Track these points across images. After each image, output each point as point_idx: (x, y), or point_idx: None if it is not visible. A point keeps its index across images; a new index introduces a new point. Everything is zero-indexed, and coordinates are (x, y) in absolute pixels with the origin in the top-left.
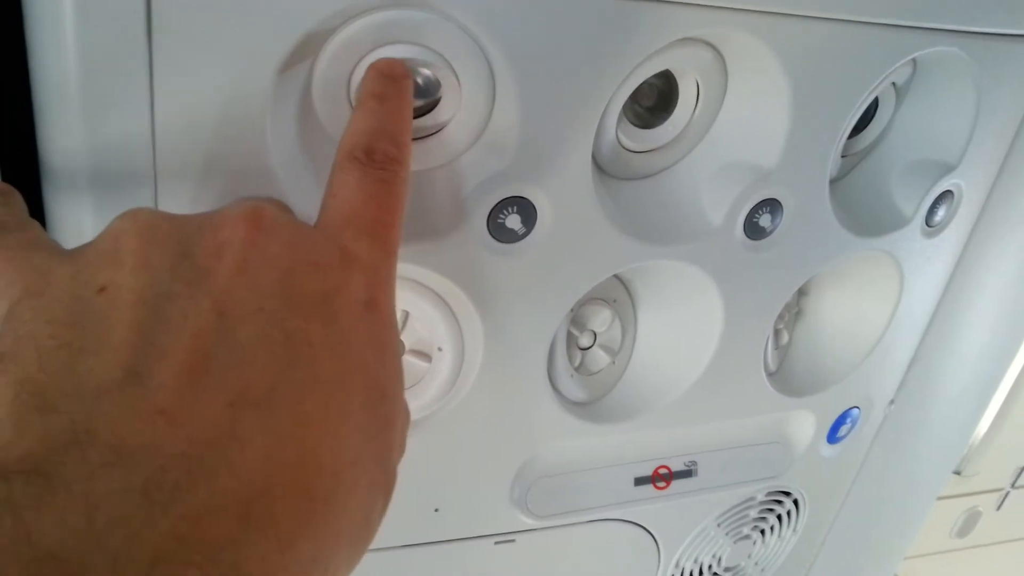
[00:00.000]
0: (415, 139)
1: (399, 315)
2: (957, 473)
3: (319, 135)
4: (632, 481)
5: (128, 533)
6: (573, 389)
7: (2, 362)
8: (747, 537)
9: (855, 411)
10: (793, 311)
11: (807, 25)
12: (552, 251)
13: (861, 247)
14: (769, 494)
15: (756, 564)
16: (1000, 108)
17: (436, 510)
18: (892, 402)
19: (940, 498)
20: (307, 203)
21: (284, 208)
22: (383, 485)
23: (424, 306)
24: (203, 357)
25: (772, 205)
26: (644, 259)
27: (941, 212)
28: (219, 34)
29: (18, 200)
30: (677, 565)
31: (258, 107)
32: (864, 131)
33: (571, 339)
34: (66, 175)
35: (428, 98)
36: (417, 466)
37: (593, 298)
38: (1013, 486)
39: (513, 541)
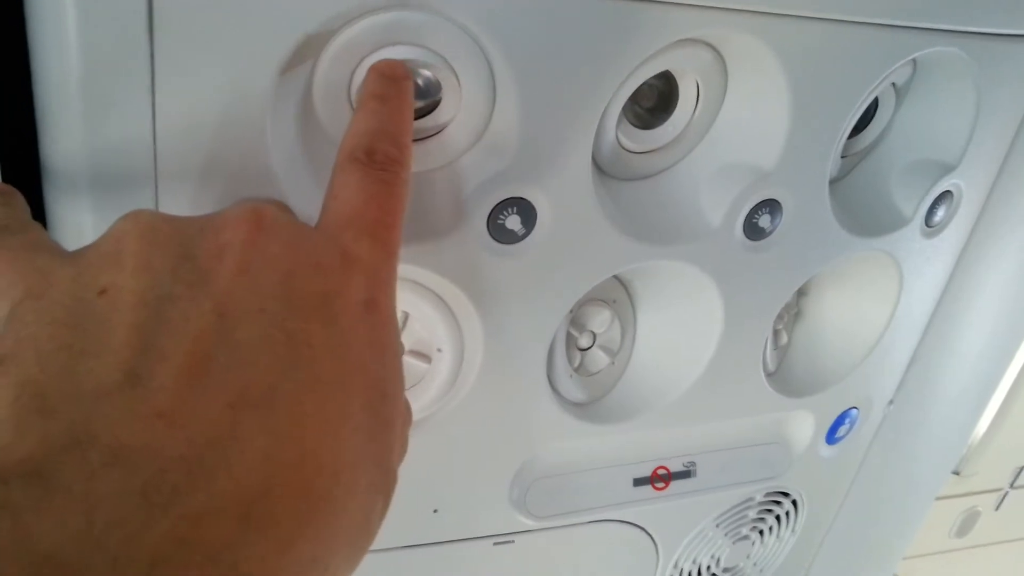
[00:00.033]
0: (415, 140)
1: (399, 316)
2: (956, 473)
3: (320, 136)
4: (631, 482)
5: (127, 535)
6: (572, 390)
7: (3, 364)
8: (746, 538)
9: (854, 411)
10: (792, 311)
11: (807, 25)
12: (552, 252)
13: (861, 247)
14: (768, 495)
15: (755, 565)
16: (1000, 108)
17: (435, 511)
18: (891, 402)
19: (939, 498)
20: (308, 204)
21: (285, 209)
22: (383, 486)
23: (424, 307)
24: (203, 359)
25: (772, 205)
26: (644, 259)
27: (941, 212)
28: (220, 35)
29: (20, 201)
30: (676, 566)
31: (259, 108)
32: (864, 131)
33: (570, 340)
34: (67, 176)
35: (429, 99)
36: (416, 467)
37: (592, 299)
38: (1012, 486)
39: (512, 542)
